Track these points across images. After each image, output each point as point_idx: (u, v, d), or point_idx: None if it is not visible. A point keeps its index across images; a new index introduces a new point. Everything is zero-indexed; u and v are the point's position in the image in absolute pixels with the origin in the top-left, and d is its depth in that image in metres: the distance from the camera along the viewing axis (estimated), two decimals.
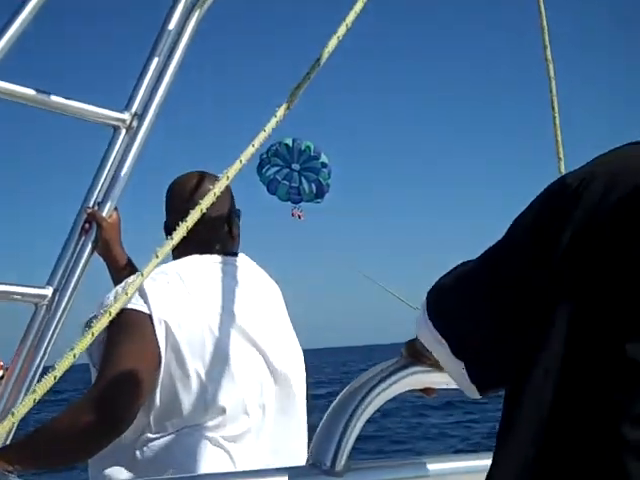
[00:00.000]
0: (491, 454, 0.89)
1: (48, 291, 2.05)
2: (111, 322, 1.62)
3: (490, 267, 0.95)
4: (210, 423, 1.68)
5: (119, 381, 1.57)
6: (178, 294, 1.69)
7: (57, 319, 2.03)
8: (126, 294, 1.15)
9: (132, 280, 1.20)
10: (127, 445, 1.65)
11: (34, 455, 1.55)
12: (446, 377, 1.28)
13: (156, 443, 1.66)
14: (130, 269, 2.10)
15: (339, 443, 1.25)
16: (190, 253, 1.78)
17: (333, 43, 1.49)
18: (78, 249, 2.07)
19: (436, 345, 1.02)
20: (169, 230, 1.77)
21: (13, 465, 1.45)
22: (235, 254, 1.85)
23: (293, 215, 12.13)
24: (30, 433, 1.62)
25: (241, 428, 1.71)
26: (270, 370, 1.75)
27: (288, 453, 1.78)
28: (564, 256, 0.84)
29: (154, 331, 1.62)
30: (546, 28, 1.80)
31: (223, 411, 1.67)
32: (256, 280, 1.85)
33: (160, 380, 1.64)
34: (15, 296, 2.05)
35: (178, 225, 1.26)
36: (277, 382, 1.77)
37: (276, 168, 10.74)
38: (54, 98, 2.02)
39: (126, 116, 2.11)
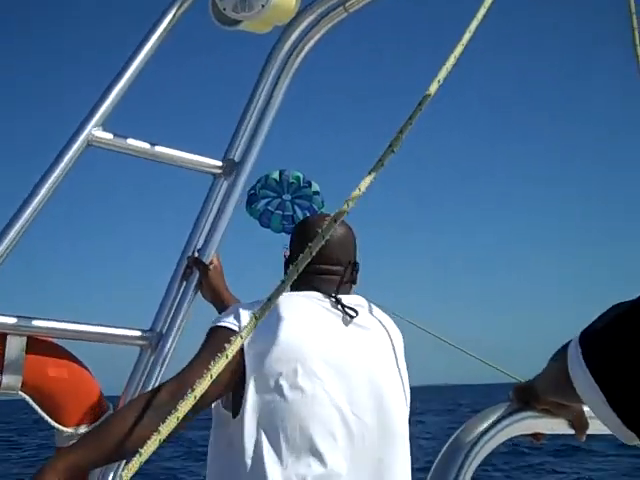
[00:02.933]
0: None
1: (152, 334, 2.13)
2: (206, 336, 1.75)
3: None
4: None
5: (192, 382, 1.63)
6: (272, 320, 1.73)
7: (161, 361, 2.09)
8: (255, 318, 1.19)
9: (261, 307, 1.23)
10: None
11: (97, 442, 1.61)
12: (556, 422, 1.27)
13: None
14: None
15: None
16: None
17: (434, 87, 1.49)
18: (180, 293, 2.14)
19: (590, 391, 0.98)
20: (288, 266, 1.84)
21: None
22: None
23: (285, 257, 10.80)
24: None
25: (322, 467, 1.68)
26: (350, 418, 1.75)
27: None
28: None
29: (241, 350, 1.67)
30: None
31: (315, 452, 1.67)
32: (362, 320, 1.85)
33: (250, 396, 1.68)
34: (121, 339, 2.13)
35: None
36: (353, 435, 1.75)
37: (267, 199, 10.00)
38: (157, 148, 2.10)
39: (225, 164, 2.19)
